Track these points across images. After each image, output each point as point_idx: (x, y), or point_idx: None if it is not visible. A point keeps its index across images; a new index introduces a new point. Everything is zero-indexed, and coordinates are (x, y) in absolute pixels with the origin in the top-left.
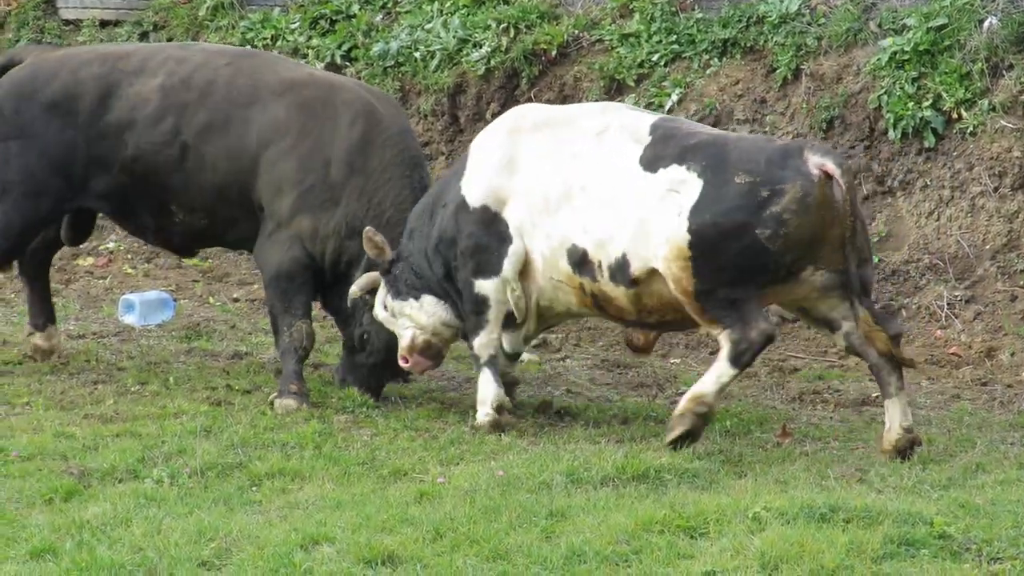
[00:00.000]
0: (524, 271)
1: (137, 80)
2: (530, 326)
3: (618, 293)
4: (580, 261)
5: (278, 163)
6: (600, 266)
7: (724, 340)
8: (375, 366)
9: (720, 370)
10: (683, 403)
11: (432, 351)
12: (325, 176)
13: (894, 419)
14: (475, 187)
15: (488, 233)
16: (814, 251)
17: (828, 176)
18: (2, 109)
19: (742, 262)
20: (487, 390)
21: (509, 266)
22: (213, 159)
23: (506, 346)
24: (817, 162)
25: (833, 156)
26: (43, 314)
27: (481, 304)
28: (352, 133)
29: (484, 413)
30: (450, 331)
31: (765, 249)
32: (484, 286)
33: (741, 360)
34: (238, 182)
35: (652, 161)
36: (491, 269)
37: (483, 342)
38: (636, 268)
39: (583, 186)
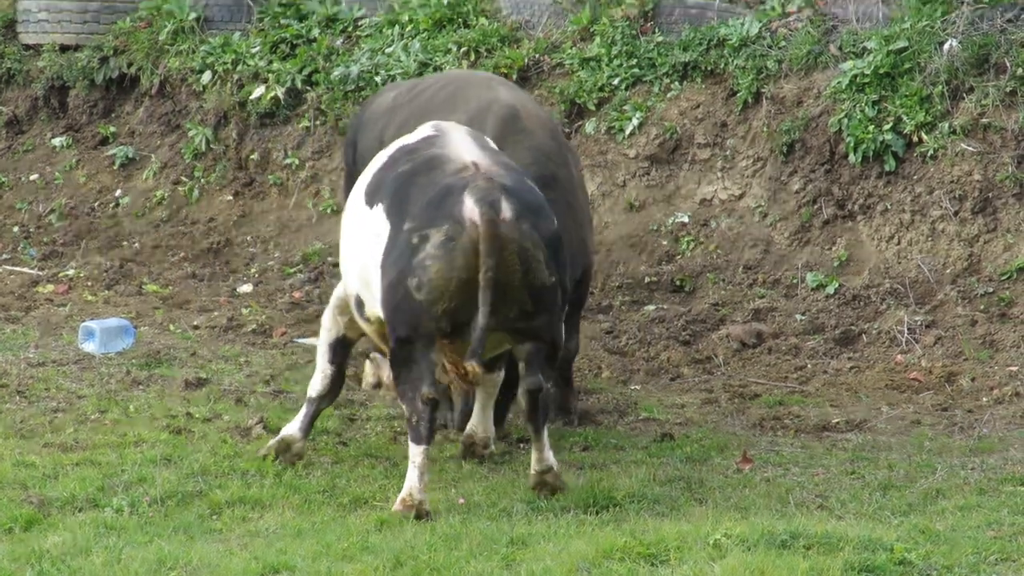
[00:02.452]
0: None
1: (394, 114)
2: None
3: (363, 324)
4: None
5: None
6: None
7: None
8: None
9: (411, 455)
10: (396, 504)
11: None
12: None
13: (531, 462)
14: None
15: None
16: (473, 297)
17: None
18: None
19: (401, 316)
20: (292, 425)
21: (337, 292)
22: None
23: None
24: (470, 207)
25: (483, 203)
26: None
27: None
28: None
29: (272, 442)
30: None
31: (415, 299)
32: (323, 315)
33: (419, 433)
34: None
35: (371, 193)
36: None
37: (314, 376)
38: (369, 311)
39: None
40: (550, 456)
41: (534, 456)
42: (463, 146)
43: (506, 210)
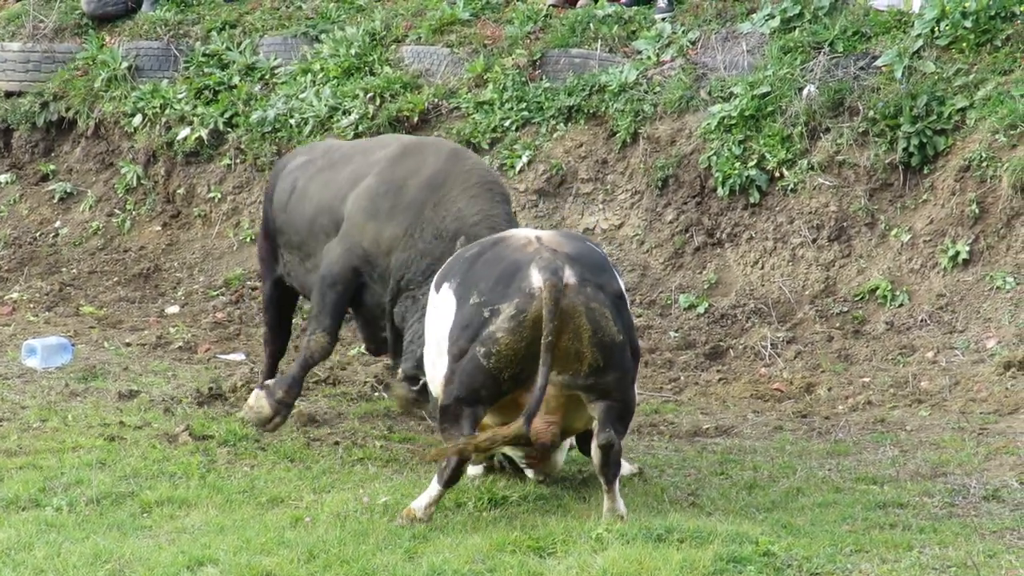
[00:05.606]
0: None
1: (309, 167)
2: None
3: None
4: None
5: None
6: None
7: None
8: None
9: (430, 488)
10: (403, 512)
11: None
12: None
13: (603, 511)
14: None
15: None
16: (535, 360)
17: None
18: None
19: (465, 379)
20: None
21: None
22: None
23: None
24: (537, 279)
25: (548, 273)
26: None
27: None
28: None
29: None
30: None
31: (482, 366)
32: None
33: (443, 477)
34: None
35: (439, 280)
36: None
37: None
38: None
39: None
40: (621, 506)
41: (606, 506)
42: (524, 228)
43: (570, 276)
